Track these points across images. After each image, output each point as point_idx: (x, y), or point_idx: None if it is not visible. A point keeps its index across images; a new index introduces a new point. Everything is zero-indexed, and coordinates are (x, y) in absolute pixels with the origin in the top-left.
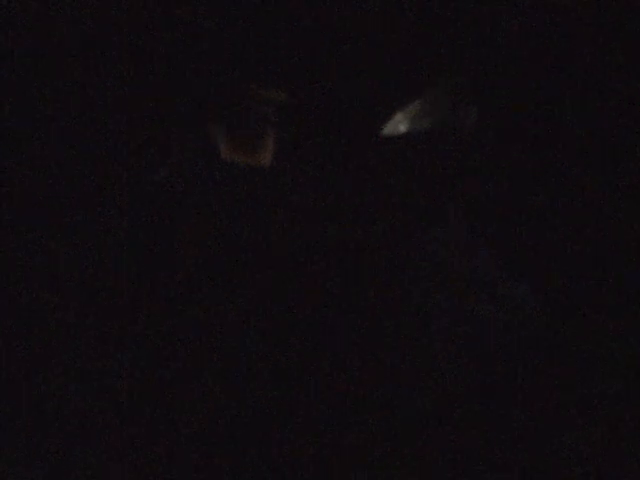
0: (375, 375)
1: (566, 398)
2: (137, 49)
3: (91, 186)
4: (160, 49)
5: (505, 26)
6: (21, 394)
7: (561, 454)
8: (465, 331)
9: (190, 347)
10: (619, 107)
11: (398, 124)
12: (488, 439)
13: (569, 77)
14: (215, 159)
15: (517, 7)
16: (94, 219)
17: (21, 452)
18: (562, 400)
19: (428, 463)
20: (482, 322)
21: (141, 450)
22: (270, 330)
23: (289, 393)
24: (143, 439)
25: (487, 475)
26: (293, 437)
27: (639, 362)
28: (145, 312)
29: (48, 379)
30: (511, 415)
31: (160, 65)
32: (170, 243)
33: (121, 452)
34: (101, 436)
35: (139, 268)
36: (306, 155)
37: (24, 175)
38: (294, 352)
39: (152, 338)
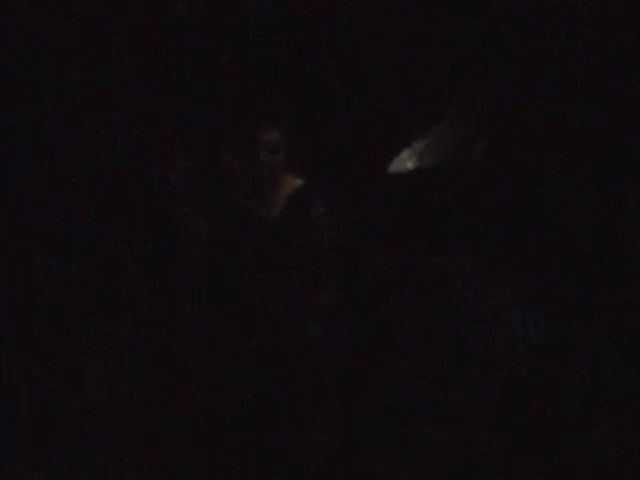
0: (386, 403)
1: (577, 425)
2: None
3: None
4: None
5: (513, 59)
6: (21, 395)
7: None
8: (478, 361)
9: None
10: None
11: (405, 161)
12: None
13: (581, 110)
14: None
15: (525, 43)
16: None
17: (21, 452)
18: (572, 427)
19: None
20: (495, 354)
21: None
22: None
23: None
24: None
25: None
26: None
27: None
28: (146, 313)
29: (48, 380)
30: (522, 439)
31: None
32: (172, 247)
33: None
34: (100, 436)
35: (141, 270)
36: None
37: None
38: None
39: (152, 339)
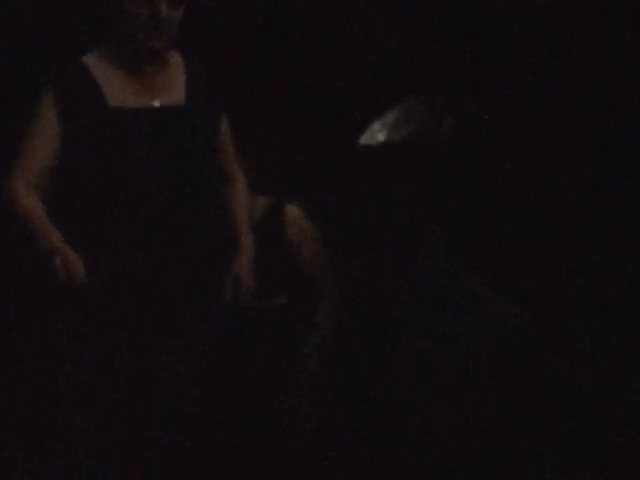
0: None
1: (551, 407)
2: None
3: None
4: None
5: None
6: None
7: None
8: (451, 347)
9: None
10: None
11: (376, 133)
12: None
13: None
14: None
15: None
16: None
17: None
18: (547, 409)
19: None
20: (467, 337)
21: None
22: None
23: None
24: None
25: None
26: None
27: (620, 370)
28: None
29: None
30: (497, 424)
31: None
32: None
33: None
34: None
35: None
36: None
37: None
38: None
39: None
